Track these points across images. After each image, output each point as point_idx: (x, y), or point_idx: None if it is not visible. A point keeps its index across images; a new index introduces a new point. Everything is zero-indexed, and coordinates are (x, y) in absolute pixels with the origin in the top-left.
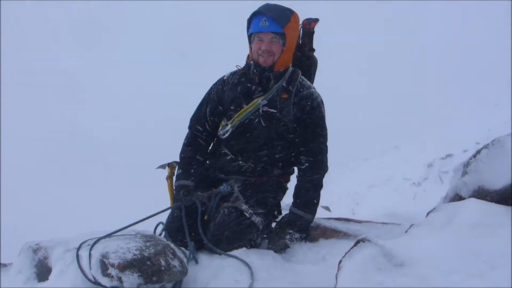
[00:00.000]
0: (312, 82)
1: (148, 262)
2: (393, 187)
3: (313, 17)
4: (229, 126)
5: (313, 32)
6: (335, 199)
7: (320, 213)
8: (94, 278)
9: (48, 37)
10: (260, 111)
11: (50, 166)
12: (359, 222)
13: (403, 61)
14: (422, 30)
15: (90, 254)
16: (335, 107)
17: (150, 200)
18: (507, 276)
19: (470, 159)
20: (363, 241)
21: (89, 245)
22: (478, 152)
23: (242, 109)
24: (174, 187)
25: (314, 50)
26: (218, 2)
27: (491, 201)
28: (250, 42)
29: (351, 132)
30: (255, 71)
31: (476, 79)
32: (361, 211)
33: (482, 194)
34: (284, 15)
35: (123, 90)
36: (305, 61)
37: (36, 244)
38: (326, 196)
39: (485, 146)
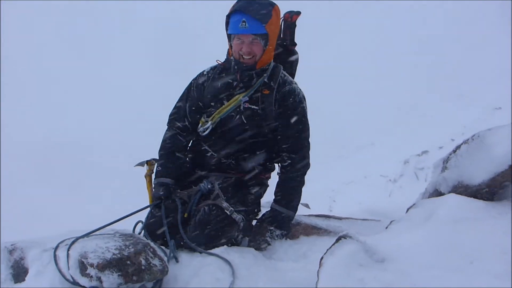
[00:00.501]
0: (293, 76)
1: (128, 262)
2: (370, 184)
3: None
4: (210, 123)
5: (295, 25)
6: (312, 196)
7: (300, 210)
8: (72, 278)
9: (33, 38)
10: (241, 107)
11: (26, 167)
12: (340, 218)
13: (378, 57)
14: (396, 26)
15: (68, 254)
16: (310, 104)
17: (128, 198)
18: (486, 270)
19: (450, 154)
20: (345, 238)
21: (66, 245)
22: (458, 147)
23: (223, 106)
24: (153, 185)
25: (295, 44)
26: (206, 2)
27: (471, 196)
28: (229, 39)
29: (327, 129)
30: (236, 68)
31: (450, 76)
32: (338, 208)
33: (461, 189)
34: (265, 11)
35: (110, 91)
36: (286, 55)
37: (12, 245)
38: (303, 193)
39: (465, 142)
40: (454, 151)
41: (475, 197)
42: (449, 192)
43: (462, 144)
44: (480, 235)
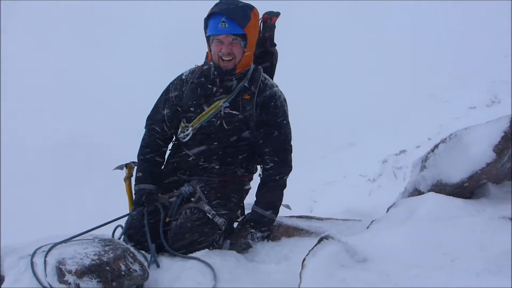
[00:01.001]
0: (273, 77)
1: (108, 267)
2: (349, 183)
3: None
4: (190, 129)
5: (275, 26)
6: (293, 197)
7: (281, 212)
8: (50, 285)
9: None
10: (222, 113)
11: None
12: (321, 219)
13: (356, 58)
14: (373, 26)
15: (45, 260)
16: (290, 105)
17: (107, 201)
18: (466, 268)
19: (429, 153)
20: (326, 238)
21: (44, 251)
22: (436, 146)
23: (203, 112)
24: (134, 191)
25: (275, 44)
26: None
27: (450, 195)
28: (208, 43)
29: (307, 130)
30: (215, 73)
31: (426, 76)
32: (319, 208)
33: (440, 188)
34: (244, 14)
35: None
36: (266, 56)
37: None
38: (284, 194)
39: (443, 141)
40: (433, 150)
41: (454, 195)
42: (429, 191)
43: (440, 143)
44: (459, 233)
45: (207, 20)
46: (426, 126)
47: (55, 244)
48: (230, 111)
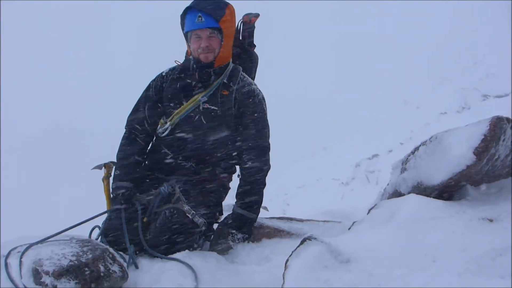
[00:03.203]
0: (253, 79)
1: (86, 268)
2: (322, 187)
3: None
4: (168, 124)
5: (254, 27)
6: (266, 200)
7: (261, 213)
8: (25, 287)
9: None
10: (201, 108)
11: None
12: (301, 220)
13: (330, 64)
14: (347, 30)
15: (20, 261)
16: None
17: (84, 202)
18: (448, 268)
19: (409, 155)
20: (310, 239)
21: (19, 252)
22: (417, 149)
23: (182, 106)
24: (111, 189)
25: (254, 46)
26: None
27: (430, 196)
28: (187, 40)
29: (280, 133)
30: (194, 67)
31: (399, 82)
32: (292, 211)
33: (421, 189)
34: (219, 8)
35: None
36: (245, 57)
37: None
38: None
39: (423, 143)
40: (413, 152)
41: (434, 197)
42: (409, 192)
43: (420, 145)
44: (441, 234)
45: (183, 17)
46: (398, 131)
47: (31, 245)
48: (209, 106)
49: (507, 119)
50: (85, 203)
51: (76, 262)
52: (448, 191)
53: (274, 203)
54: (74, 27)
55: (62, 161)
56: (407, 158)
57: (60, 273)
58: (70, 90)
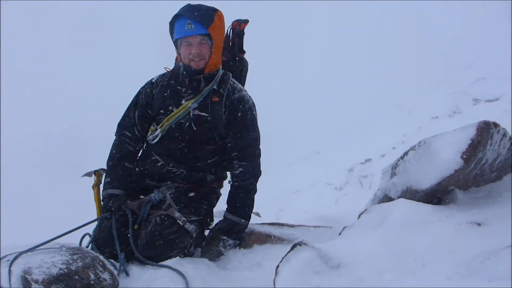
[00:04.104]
0: (243, 85)
1: (76, 277)
2: (316, 192)
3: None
4: (159, 130)
5: (243, 33)
6: (259, 206)
7: (252, 219)
8: None
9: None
10: (191, 114)
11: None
12: (292, 226)
13: (323, 69)
14: (341, 34)
15: (10, 270)
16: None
17: (75, 210)
18: (438, 272)
19: (398, 160)
20: (300, 245)
21: (8, 260)
22: (406, 153)
23: (172, 113)
24: (102, 197)
25: (244, 52)
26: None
27: (419, 201)
28: (176, 47)
29: (273, 138)
30: (184, 73)
31: (391, 87)
32: (285, 217)
33: (410, 194)
34: (208, 15)
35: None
36: (235, 63)
37: None
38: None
39: (412, 148)
40: (402, 157)
41: (424, 201)
42: (399, 197)
43: (409, 150)
44: (430, 238)
45: (172, 24)
46: (391, 136)
47: (21, 253)
48: (199, 113)
49: (494, 123)
50: (75, 210)
51: (65, 270)
52: (437, 196)
53: (268, 209)
54: (75, 27)
55: (57, 166)
56: (397, 163)
57: (50, 281)
58: (70, 90)
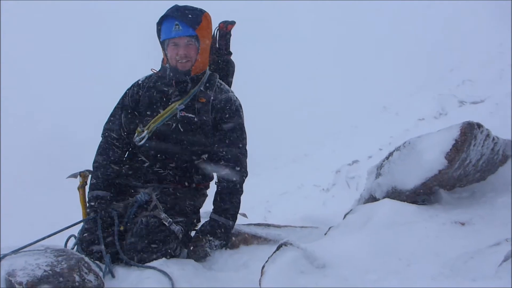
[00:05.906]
0: (230, 86)
1: (61, 278)
2: (304, 194)
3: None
4: (145, 132)
5: (230, 34)
6: (248, 207)
7: (239, 220)
8: None
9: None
10: (178, 116)
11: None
12: (279, 226)
13: (311, 71)
14: (330, 37)
15: None
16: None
17: (60, 212)
18: (422, 272)
19: (383, 161)
20: (286, 245)
21: None
22: (391, 154)
23: (159, 115)
24: (87, 198)
25: (231, 53)
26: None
27: (404, 201)
28: (163, 48)
29: (262, 141)
30: (171, 75)
31: (378, 89)
32: (273, 218)
33: (395, 194)
34: (195, 17)
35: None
36: (222, 64)
37: None
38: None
39: (397, 149)
40: (387, 158)
41: (408, 201)
42: (384, 197)
43: (394, 151)
44: (415, 238)
45: (159, 25)
46: (378, 137)
47: (5, 255)
48: (186, 114)
49: (478, 124)
50: (61, 212)
51: (50, 272)
52: (421, 196)
53: (255, 211)
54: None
55: (42, 167)
56: (382, 164)
57: (34, 284)
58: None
